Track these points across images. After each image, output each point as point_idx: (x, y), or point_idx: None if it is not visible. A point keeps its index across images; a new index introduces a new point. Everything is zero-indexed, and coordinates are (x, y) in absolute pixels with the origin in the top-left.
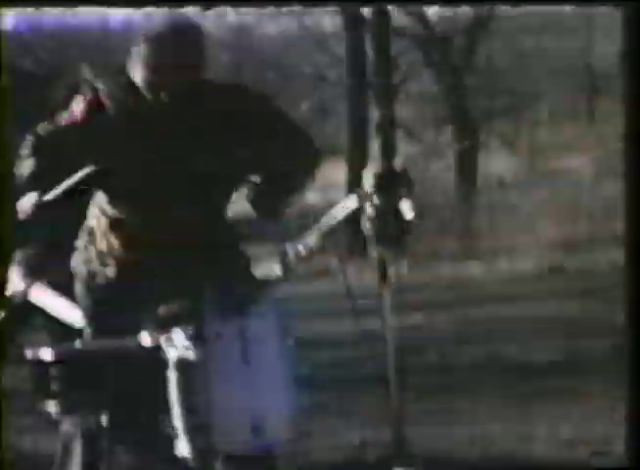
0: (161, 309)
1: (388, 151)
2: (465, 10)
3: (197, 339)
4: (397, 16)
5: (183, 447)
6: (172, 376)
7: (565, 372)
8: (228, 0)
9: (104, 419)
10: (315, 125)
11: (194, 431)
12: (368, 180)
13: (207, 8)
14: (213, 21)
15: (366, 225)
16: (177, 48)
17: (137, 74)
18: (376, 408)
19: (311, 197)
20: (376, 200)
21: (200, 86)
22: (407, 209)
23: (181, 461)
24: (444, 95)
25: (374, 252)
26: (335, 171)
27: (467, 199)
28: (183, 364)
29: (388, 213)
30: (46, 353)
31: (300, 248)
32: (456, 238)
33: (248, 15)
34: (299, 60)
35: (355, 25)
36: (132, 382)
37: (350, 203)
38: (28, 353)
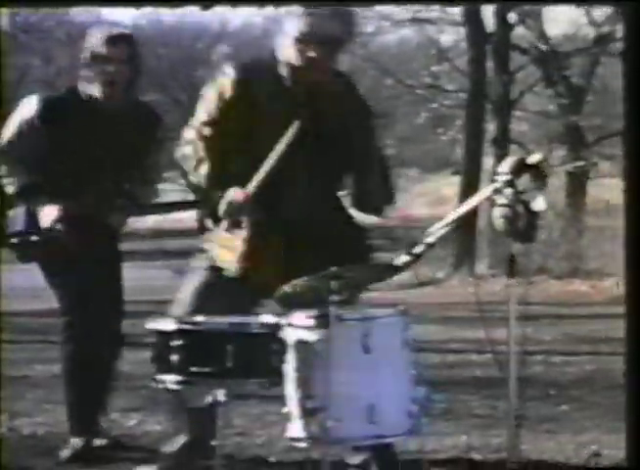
0: (284, 289)
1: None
2: (587, 30)
3: (318, 321)
4: (518, 31)
5: (297, 430)
6: (291, 358)
7: None
8: (228, 0)
9: (220, 394)
10: (430, 136)
11: (309, 414)
12: (502, 172)
13: (207, 7)
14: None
15: (497, 218)
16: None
17: (287, 62)
18: (488, 412)
19: (422, 210)
20: (508, 191)
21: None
22: (538, 201)
23: (293, 443)
24: (560, 113)
25: (504, 244)
26: (447, 185)
27: (576, 220)
28: (303, 346)
29: (518, 205)
30: (168, 324)
31: (431, 235)
32: (563, 257)
33: (369, 22)
34: (418, 69)
35: (477, 38)
36: (250, 360)
37: (483, 194)
38: (150, 325)
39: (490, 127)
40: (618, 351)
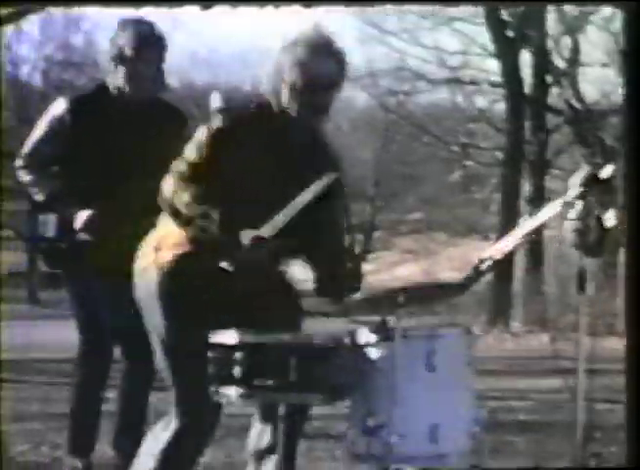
0: (349, 303)
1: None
2: (618, 91)
3: (382, 336)
4: (555, 92)
5: (359, 445)
6: (354, 375)
7: None
8: (228, 0)
9: (281, 409)
10: (462, 197)
11: (371, 432)
12: (573, 187)
13: (207, 7)
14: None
15: (568, 232)
16: (334, 66)
17: (286, 92)
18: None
19: (450, 275)
20: (579, 206)
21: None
22: (609, 216)
23: (356, 458)
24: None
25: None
26: (476, 250)
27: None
28: (366, 363)
29: (590, 220)
30: (230, 338)
31: (499, 250)
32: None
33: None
34: (454, 127)
35: (515, 97)
36: (313, 374)
37: (552, 209)
38: (213, 337)
39: (525, 187)
40: None
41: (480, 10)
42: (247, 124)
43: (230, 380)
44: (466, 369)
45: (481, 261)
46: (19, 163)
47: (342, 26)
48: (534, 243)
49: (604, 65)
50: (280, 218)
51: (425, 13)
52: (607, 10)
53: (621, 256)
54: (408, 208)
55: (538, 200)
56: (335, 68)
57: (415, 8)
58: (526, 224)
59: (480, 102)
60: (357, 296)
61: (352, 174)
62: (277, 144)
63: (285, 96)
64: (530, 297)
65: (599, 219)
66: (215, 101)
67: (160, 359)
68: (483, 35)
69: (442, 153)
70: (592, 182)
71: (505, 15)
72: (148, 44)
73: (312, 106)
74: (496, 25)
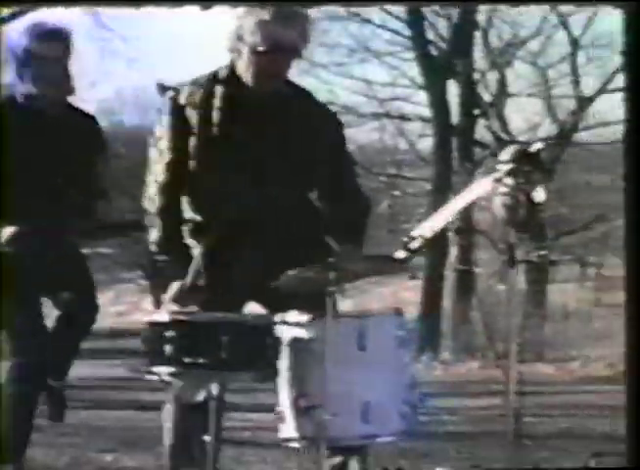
0: (279, 283)
1: (467, 256)
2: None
3: (313, 318)
4: (482, 123)
5: (290, 430)
6: (285, 356)
7: None
8: (228, 0)
9: (214, 388)
10: (394, 223)
11: (303, 413)
12: (503, 161)
13: (207, 7)
14: None
15: (498, 205)
16: (288, 30)
17: (244, 62)
18: None
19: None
20: (509, 180)
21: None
22: (539, 192)
23: (286, 443)
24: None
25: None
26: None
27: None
28: (297, 344)
29: (520, 197)
30: (162, 315)
31: (425, 229)
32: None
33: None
34: (384, 158)
35: (443, 129)
36: (245, 352)
37: (483, 185)
38: (145, 316)
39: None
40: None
41: (408, 44)
42: (203, 93)
43: (161, 358)
44: (397, 350)
45: (412, 239)
46: None
47: None
48: (464, 273)
49: (530, 95)
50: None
51: (354, 46)
52: (534, 44)
53: (548, 285)
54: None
55: (466, 230)
56: (296, 32)
57: (345, 41)
58: (457, 202)
59: (409, 134)
60: (289, 272)
61: None
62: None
63: (244, 60)
64: (459, 326)
65: (528, 195)
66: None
67: None
68: (412, 68)
69: (372, 184)
70: (521, 158)
71: (433, 49)
72: (48, 39)
73: (270, 69)
74: (424, 59)
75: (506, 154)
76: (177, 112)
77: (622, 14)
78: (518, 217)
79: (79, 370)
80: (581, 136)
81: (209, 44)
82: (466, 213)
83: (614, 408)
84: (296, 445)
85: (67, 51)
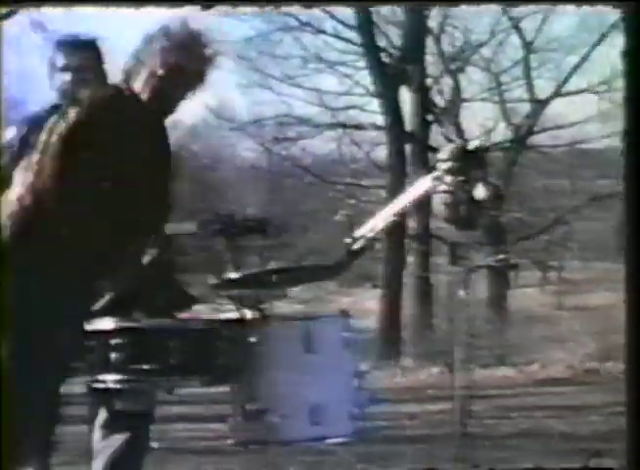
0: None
1: (424, 263)
2: (499, 127)
3: (258, 320)
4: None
5: (239, 434)
6: (232, 359)
7: None
8: (229, 0)
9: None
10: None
11: (252, 416)
12: (442, 159)
13: (208, 7)
14: None
15: (438, 203)
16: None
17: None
18: None
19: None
20: (448, 178)
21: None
22: (480, 189)
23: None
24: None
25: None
26: (369, 299)
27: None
28: (244, 347)
29: (460, 194)
30: (108, 324)
31: (370, 229)
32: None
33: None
34: (340, 168)
35: (397, 137)
36: (193, 357)
37: (423, 184)
38: (89, 325)
39: (411, 224)
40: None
41: (361, 52)
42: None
43: (108, 366)
44: (345, 351)
45: (354, 241)
46: None
47: (224, 72)
48: (424, 279)
49: (484, 100)
50: None
51: (307, 57)
52: (487, 51)
53: (510, 291)
54: (298, 257)
55: (424, 237)
56: (197, 58)
57: (296, 52)
58: (398, 201)
59: (364, 142)
60: (233, 275)
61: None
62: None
63: (140, 81)
64: (420, 332)
65: (469, 192)
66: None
67: None
68: (365, 77)
69: (328, 194)
70: (461, 156)
71: (384, 56)
72: (77, 49)
73: (168, 95)
74: (377, 67)
75: (445, 152)
76: None
77: (622, 14)
78: (459, 215)
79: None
80: (537, 140)
81: None
82: (423, 220)
83: (573, 408)
84: (245, 448)
85: (92, 60)
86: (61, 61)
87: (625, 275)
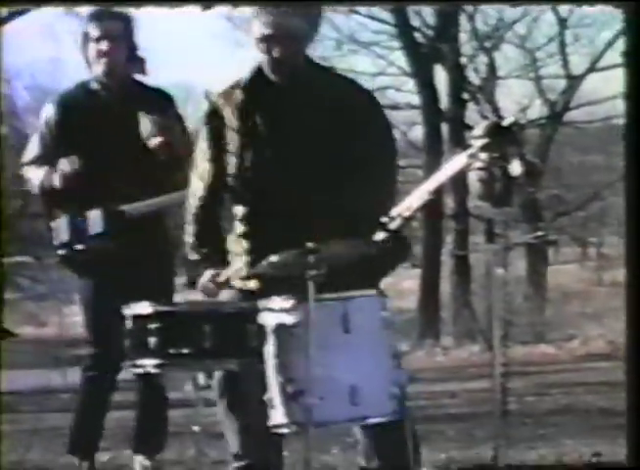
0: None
1: (461, 241)
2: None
3: (296, 303)
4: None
5: (279, 416)
6: (270, 343)
7: None
8: (228, 0)
9: (200, 378)
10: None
11: (290, 399)
12: (477, 136)
13: (208, 7)
14: None
15: (473, 180)
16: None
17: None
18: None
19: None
20: (483, 155)
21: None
22: (515, 166)
23: (275, 429)
24: (517, 189)
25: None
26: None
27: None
28: (281, 330)
29: (496, 171)
30: (145, 308)
31: (407, 207)
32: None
33: None
34: None
35: (432, 116)
36: (228, 340)
37: (458, 162)
38: (127, 309)
39: (449, 205)
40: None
41: (394, 32)
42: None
43: (146, 351)
44: (382, 331)
45: (390, 220)
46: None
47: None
48: (462, 258)
49: (519, 77)
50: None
51: (341, 38)
52: (521, 27)
53: (549, 267)
54: None
55: (462, 216)
56: (299, 17)
57: (330, 34)
58: (433, 179)
59: (400, 122)
60: (272, 257)
61: None
62: None
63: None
64: (459, 311)
65: (504, 169)
66: None
67: None
68: (399, 57)
69: None
70: (495, 132)
71: (418, 36)
72: (110, 19)
73: (278, 56)
74: (410, 46)
75: (479, 129)
76: (213, 118)
77: (622, 14)
78: (494, 192)
79: (75, 376)
80: (572, 115)
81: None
82: (459, 198)
83: (612, 384)
84: (285, 430)
85: (127, 30)
86: (95, 31)
87: (626, 275)
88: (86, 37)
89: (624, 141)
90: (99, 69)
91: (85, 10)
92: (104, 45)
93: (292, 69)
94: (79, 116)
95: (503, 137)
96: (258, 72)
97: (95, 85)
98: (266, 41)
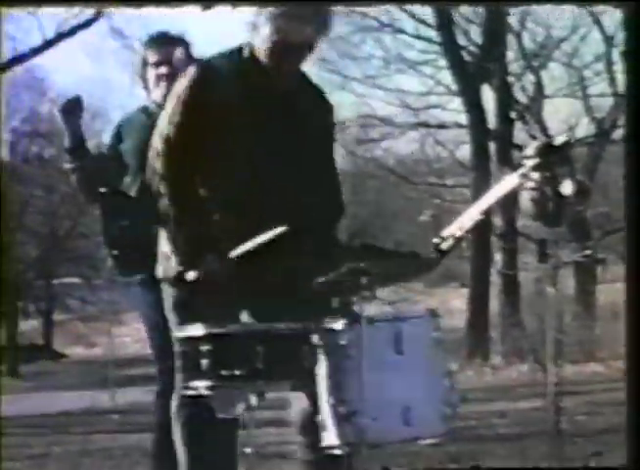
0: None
1: (510, 261)
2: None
3: (348, 323)
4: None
5: (332, 437)
6: (322, 363)
7: None
8: (228, 0)
9: (252, 399)
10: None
11: (343, 420)
12: (528, 156)
13: (208, 7)
14: None
15: (525, 200)
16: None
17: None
18: None
19: None
20: (535, 175)
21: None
22: (567, 185)
23: (328, 451)
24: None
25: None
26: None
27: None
28: (333, 350)
29: (547, 191)
30: (197, 329)
31: (459, 227)
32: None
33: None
34: (423, 167)
35: (480, 135)
36: (280, 361)
37: (510, 182)
38: (179, 331)
39: (496, 223)
40: None
41: (440, 51)
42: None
43: (198, 372)
44: (434, 351)
45: (443, 240)
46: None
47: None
48: (510, 277)
49: (566, 95)
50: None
51: (388, 58)
52: (568, 45)
53: (598, 285)
54: None
55: (510, 235)
56: (310, 27)
57: (377, 53)
58: (485, 199)
59: (447, 142)
60: (320, 279)
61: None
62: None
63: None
64: (508, 330)
65: (556, 188)
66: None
67: None
68: (446, 76)
69: (411, 194)
70: (547, 152)
71: (465, 55)
72: (168, 45)
73: (281, 62)
74: (457, 65)
75: (531, 148)
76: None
77: (622, 14)
78: (546, 211)
79: (131, 395)
80: (620, 133)
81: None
82: (509, 217)
83: None
84: (338, 451)
85: (182, 54)
86: (153, 56)
87: (626, 275)
88: (144, 62)
89: (624, 141)
90: (158, 93)
91: (113, 10)
92: (163, 70)
93: (290, 76)
94: (140, 140)
95: (555, 157)
96: (252, 59)
97: (155, 109)
98: (272, 46)
